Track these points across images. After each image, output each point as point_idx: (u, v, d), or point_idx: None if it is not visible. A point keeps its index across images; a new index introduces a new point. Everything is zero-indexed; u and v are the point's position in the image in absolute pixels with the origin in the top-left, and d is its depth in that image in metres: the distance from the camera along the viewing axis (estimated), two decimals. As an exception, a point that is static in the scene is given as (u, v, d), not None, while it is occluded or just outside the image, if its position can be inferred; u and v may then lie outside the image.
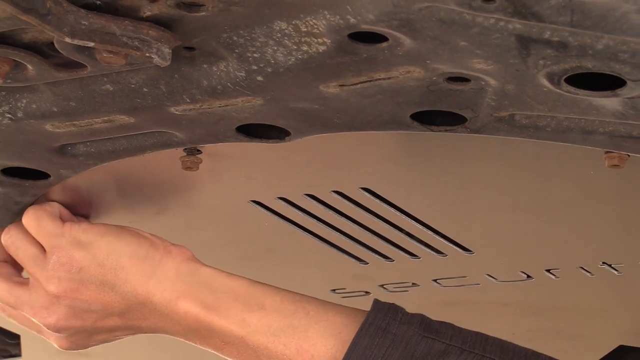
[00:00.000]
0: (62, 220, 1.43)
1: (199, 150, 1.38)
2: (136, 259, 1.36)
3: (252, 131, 1.29)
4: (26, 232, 1.44)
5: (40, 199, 1.48)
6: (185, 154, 1.38)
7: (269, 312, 1.34)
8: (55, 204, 1.46)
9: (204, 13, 1.08)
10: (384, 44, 1.09)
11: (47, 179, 1.42)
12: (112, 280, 1.38)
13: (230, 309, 1.34)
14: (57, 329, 1.42)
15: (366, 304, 1.85)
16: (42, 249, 1.42)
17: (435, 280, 1.76)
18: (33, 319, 1.43)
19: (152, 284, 1.36)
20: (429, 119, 1.22)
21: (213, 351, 1.39)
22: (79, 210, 1.54)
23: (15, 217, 1.51)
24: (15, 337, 2.22)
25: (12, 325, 2.15)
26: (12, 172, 1.42)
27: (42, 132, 1.30)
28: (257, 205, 1.56)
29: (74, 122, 1.29)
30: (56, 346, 1.45)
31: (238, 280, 1.37)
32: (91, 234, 1.39)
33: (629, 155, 1.25)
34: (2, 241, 1.47)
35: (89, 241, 1.39)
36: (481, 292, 1.77)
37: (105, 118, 1.28)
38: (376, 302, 1.36)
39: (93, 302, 1.39)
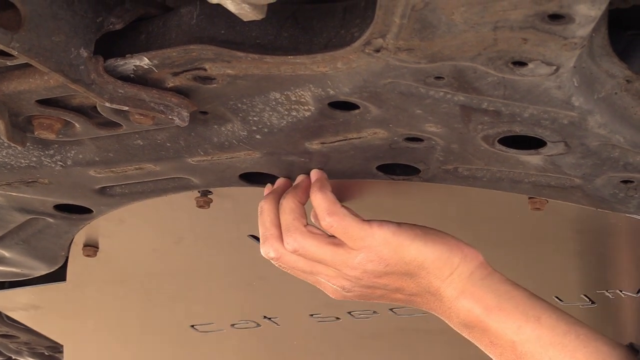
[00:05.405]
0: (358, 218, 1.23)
1: (210, 192, 1.37)
2: (438, 263, 1.21)
3: (252, 178, 1.27)
4: (316, 237, 1.23)
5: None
6: (199, 195, 1.37)
7: (544, 326, 1.18)
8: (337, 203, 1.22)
9: (215, 85, 1.07)
10: (356, 111, 1.08)
11: (90, 214, 1.40)
12: (413, 273, 1.22)
13: (510, 315, 1.19)
14: (346, 294, 1.27)
15: (337, 328, 1.83)
16: (334, 242, 1.22)
17: (391, 310, 1.74)
18: (324, 279, 1.26)
19: (446, 282, 1.22)
20: (390, 169, 1.21)
21: (477, 344, 1.23)
22: None
23: (64, 245, 1.49)
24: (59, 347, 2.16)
25: (58, 337, 2.08)
26: (62, 208, 1.40)
27: (86, 176, 1.29)
28: (253, 239, 1.54)
29: (112, 169, 1.27)
30: (328, 293, 1.28)
31: (520, 290, 1.20)
32: (401, 237, 1.21)
33: (547, 201, 1.24)
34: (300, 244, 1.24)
35: (399, 243, 1.21)
36: (426, 321, 1.72)
37: (137, 166, 1.26)
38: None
39: (390, 284, 1.24)
